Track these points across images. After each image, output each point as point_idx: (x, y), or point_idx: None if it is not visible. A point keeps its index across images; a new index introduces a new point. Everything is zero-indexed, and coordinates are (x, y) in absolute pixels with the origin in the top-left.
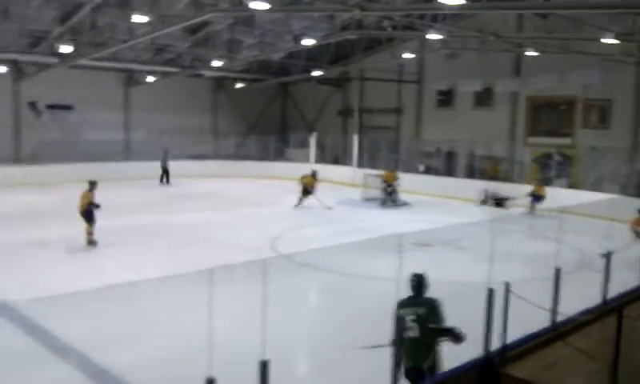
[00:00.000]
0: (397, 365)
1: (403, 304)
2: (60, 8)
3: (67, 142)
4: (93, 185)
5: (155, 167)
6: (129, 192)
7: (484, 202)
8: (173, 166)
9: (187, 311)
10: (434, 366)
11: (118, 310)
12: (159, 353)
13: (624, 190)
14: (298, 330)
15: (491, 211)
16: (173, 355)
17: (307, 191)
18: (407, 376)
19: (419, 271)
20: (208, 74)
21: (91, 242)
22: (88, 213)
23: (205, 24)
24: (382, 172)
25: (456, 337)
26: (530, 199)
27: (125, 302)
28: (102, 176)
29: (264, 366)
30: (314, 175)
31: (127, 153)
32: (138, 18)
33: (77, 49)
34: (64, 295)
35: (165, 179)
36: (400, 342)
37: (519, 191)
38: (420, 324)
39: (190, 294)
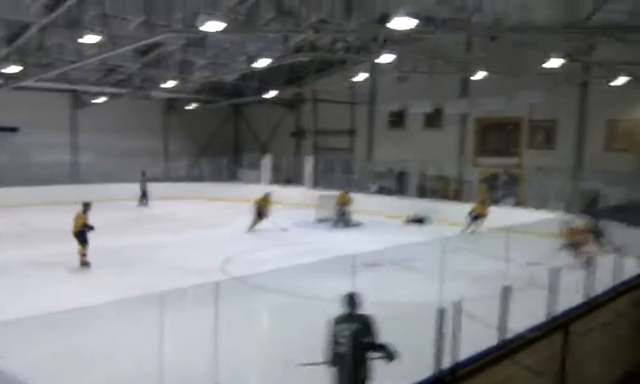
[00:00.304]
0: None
1: (338, 321)
2: (6, 28)
3: (12, 165)
4: (87, 206)
5: (104, 189)
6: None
7: (407, 220)
8: (120, 188)
9: (138, 336)
10: (363, 381)
11: (64, 337)
12: (109, 380)
13: (569, 208)
14: (250, 353)
15: (413, 229)
16: (123, 382)
17: (261, 214)
18: None
19: (352, 291)
20: (159, 95)
21: (84, 264)
22: (81, 234)
23: (156, 45)
24: (335, 193)
25: (389, 353)
26: (469, 218)
27: (72, 327)
28: (49, 199)
29: None
30: (266, 198)
31: (75, 175)
32: (87, 39)
33: (23, 69)
34: (4, 322)
35: (144, 200)
36: (334, 358)
37: (465, 210)
38: (353, 339)
39: (141, 318)
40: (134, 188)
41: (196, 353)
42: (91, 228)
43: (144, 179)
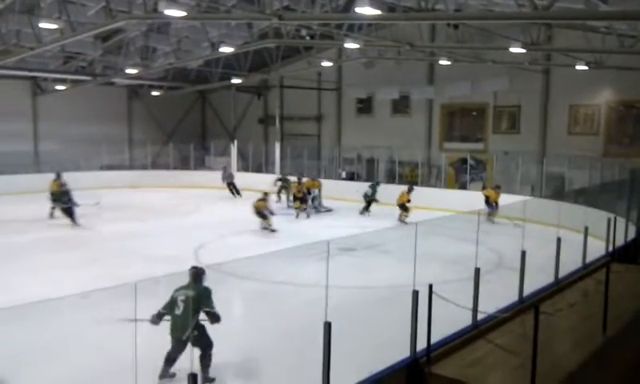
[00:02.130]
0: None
1: (179, 288)
2: None
3: None
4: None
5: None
6: (39, 205)
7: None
8: (87, 176)
9: (110, 327)
10: (195, 339)
11: (32, 329)
12: (80, 372)
13: (535, 192)
14: (225, 340)
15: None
16: (95, 373)
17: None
18: (172, 346)
19: (196, 265)
20: (122, 82)
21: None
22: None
23: (117, 31)
24: (305, 179)
25: (215, 317)
26: (486, 208)
27: (41, 319)
28: (10, 189)
29: (193, 379)
30: (264, 199)
31: (37, 164)
32: (45, 25)
33: None
34: None
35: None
36: (172, 319)
37: (434, 194)
38: (186, 304)
39: (112, 308)
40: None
41: (169, 342)
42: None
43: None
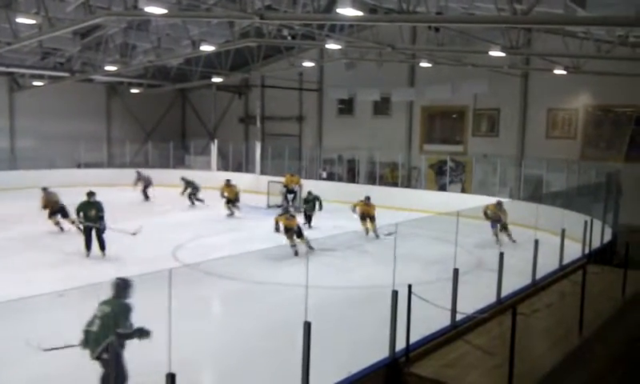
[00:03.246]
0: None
1: (101, 302)
2: None
3: None
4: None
5: (43, 175)
6: (15, 202)
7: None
8: (63, 173)
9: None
10: (104, 362)
11: (3, 328)
12: (56, 371)
13: (513, 194)
14: (204, 340)
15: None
16: (69, 373)
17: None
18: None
19: (123, 277)
20: (101, 79)
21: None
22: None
23: (96, 27)
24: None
25: (142, 333)
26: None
27: (13, 318)
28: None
29: (171, 379)
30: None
31: (13, 161)
32: (23, 20)
33: None
34: None
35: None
36: (85, 336)
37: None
38: (102, 320)
39: (88, 308)
40: (73, 174)
41: (149, 342)
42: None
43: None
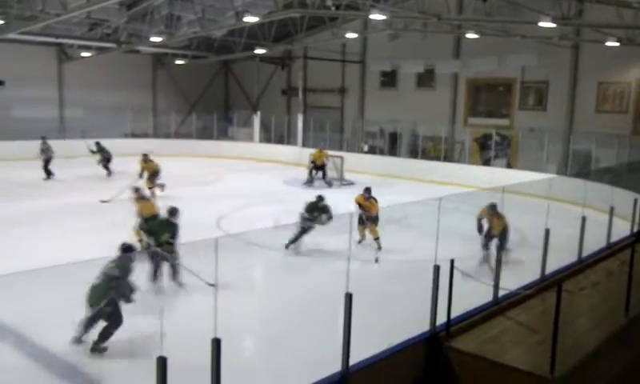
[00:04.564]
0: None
1: (110, 261)
2: None
3: None
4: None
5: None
6: (64, 170)
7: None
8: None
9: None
10: (106, 314)
11: (58, 291)
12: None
13: (561, 170)
14: (247, 308)
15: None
16: (119, 335)
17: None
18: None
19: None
20: (146, 50)
21: None
22: None
23: None
24: (329, 151)
25: (123, 297)
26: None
27: (65, 282)
28: (34, 154)
29: (217, 344)
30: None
31: (62, 130)
32: None
33: (6, 22)
34: None
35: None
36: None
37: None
38: (104, 278)
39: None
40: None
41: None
42: None
43: (45, 146)
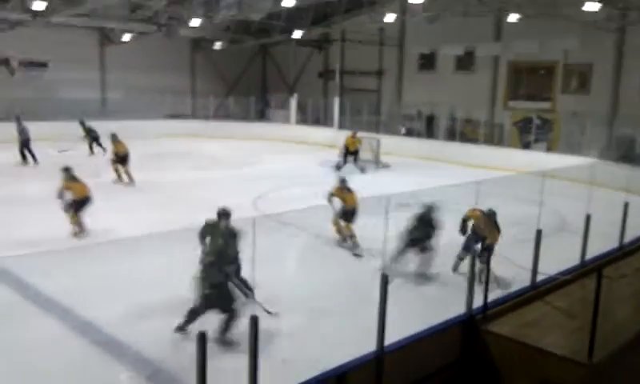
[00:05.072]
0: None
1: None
2: None
3: (41, 100)
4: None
5: (132, 126)
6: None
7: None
8: (151, 125)
9: (173, 267)
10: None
11: (102, 266)
12: (145, 308)
13: (603, 155)
14: (284, 288)
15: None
16: (160, 310)
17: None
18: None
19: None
20: (186, 33)
21: None
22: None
23: None
24: (364, 134)
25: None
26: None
27: (110, 258)
28: (78, 135)
29: (254, 322)
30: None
31: (104, 112)
32: None
33: (50, 5)
34: (48, 252)
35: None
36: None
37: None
38: (227, 236)
39: (175, 250)
40: (160, 125)
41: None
42: None
43: (21, 127)
